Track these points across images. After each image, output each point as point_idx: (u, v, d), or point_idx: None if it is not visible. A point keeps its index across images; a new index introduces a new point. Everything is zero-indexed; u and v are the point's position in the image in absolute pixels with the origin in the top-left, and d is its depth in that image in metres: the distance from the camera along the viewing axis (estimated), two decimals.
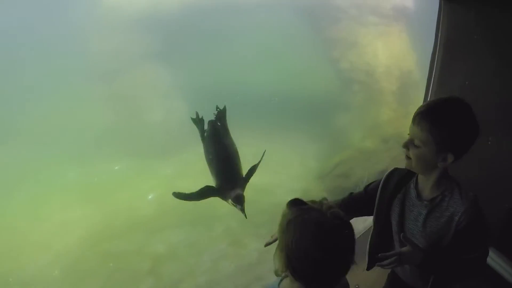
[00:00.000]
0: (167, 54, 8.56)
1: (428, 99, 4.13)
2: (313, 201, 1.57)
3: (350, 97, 7.89)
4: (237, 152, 4.50)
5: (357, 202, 2.28)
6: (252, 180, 6.46)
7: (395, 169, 2.14)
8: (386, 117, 7.43)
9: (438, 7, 3.75)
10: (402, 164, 2.13)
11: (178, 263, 5.17)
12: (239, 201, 4.09)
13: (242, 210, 4.03)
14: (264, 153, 4.33)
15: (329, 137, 7.64)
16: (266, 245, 2.08)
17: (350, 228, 1.50)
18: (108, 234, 5.83)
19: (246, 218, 3.94)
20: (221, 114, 4.65)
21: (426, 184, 1.94)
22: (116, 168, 7.42)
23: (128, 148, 7.60)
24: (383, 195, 2.12)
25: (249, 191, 6.45)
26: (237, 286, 4.82)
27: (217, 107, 4.61)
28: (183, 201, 4.23)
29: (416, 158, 1.83)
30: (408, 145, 1.84)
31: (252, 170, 4.42)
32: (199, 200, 4.23)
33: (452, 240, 1.87)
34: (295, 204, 1.57)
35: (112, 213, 6.22)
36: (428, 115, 1.75)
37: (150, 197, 6.65)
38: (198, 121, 4.63)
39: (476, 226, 1.82)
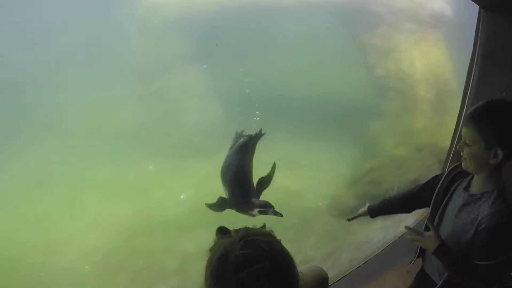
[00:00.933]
0: (204, 55, 8.69)
1: (465, 109, 4.10)
2: (237, 230, 1.31)
3: (384, 104, 7.84)
4: (251, 171, 4.47)
5: (422, 192, 2.38)
6: (283, 183, 6.58)
7: (457, 165, 2.22)
8: (421, 125, 7.33)
9: (477, 16, 3.72)
10: (434, 173, 2.33)
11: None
12: (268, 206, 4.06)
13: (275, 212, 4.00)
14: (274, 167, 4.26)
15: (362, 144, 7.66)
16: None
17: (266, 260, 1.18)
18: (140, 231, 6.03)
19: (283, 216, 3.92)
20: (257, 136, 4.69)
21: (476, 180, 2.05)
22: (151, 167, 7.64)
23: (163, 148, 7.80)
24: (443, 184, 2.24)
25: (280, 194, 6.61)
26: None
27: (260, 131, 4.68)
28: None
29: (469, 157, 1.95)
30: (462, 146, 1.96)
31: (263, 184, 4.33)
32: (218, 211, 4.22)
33: (471, 240, 1.96)
34: (218, 232, 1.35)
35: (145, 211, 6.43)
36: (474, 115, 1.90)
37: (182, 196, 6.83)
38: (238, 136, 4.69)
39: (495, 234, 1.88)
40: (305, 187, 6.91)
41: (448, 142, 4.61)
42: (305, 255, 5.14)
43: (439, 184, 2.24)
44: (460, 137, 2.07)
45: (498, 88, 3.58)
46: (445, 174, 2.24)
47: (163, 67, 8.62)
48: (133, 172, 7.39)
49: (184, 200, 6.77)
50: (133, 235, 5.87)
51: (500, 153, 1.85)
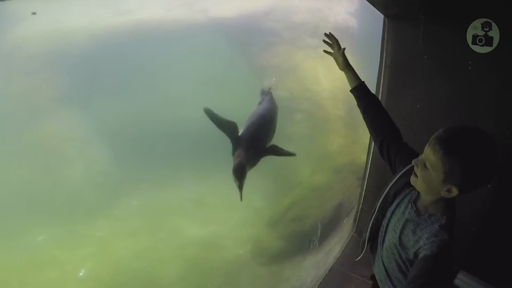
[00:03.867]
0: (83, 94, 8.35)
1: None
2: None
3: (292, 127, 7.82)
4: (271, 129, 4.97)
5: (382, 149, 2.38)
6: (195, 234, 6.50)
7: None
8: (336, 145, 7.41)
9: (382, 26, 3.83)
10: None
11: None
12: (238, 175, 4.11)
13: (240, 187, 4.01)
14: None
15: (275, 173, 7.59)
16: None
17: None
18: None
19: (241, 200, 3.96)
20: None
21: (425, 198, 2.03)
22: (40, 238, 6.90)
23: (50, 210, 7.15)
24: (396, 184, 2.21)
25: (191, 248, 6.23)
26: None
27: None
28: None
29: (422, 179, 1.90)
30: (418, 164, 1.90)
31: (277, 150, 4.78)
32: (218, 125, 4.75)
33: (410, 260, 2.02)
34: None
35: None
36: (444, 142, 1.78)
37: (81, 273, 6.20)
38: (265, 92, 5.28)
39: (430, 264, 1.86)
40: (221, 232, 6.66)
41: (364, 157, 4.74)
42: None
43: (390, 184, 2.23)
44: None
45: (409, 98, 3.71)
46: (399, 175, 2.20)
47: (35, 112, 8.13)
48: (19, 248, 6.62)
49: (84, 277, 6.14)
50: None
51: (454, 191, 1.81)
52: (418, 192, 2.06)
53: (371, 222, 2.35)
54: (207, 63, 9.09)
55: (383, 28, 3.82)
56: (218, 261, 6.05)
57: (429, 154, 1.82)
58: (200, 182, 7.64)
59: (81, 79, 8.35)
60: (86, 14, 9.01)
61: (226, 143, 8.11)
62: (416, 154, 2.12)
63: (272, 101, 5.16)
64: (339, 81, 8.11)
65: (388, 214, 2.22)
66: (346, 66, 2.62)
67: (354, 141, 7.40)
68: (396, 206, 2.17)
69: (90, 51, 8.37)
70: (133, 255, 5.66)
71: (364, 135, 6.48)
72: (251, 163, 4.43)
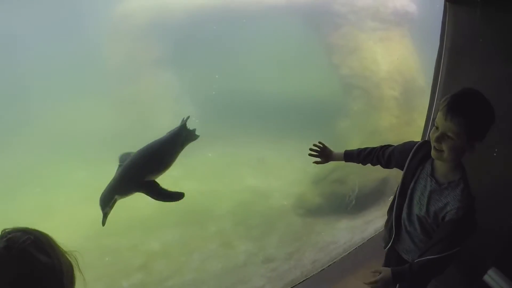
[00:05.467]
0: (177, 61, 8.97)
1: (434, 106, 4.05)
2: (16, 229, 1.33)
3: (350, 102, 7.94)
4: (158, 164, 3.98)
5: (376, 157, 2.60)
6: (251, 183, 7.05)
7: (425, 143, 2.31)
8: (387, 123, 7.40)
9: (442, 10, 3.68)
10: (400, 174, 2.41)
11: (168, 261, 5.45)
12: (102, 203, 3.74)
13: (104, 215, 3.74)
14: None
15: (328, 142, 7.60)
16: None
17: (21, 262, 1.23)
18: (109, 231, 5.99)
19: (103, 226, 3.69)
20: (191, 135, 4.24)
21: (442, 168, 2.16)
22: None
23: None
24: (410, 168, 2.33)
25: (246, 194, 6.85)
26: (221, 287, 5.01)
27: (194, 131, 4.23)
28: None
29: (449, 150, 2.00)
30: (441, 139, 1.99)
31: (153, 189, 4.02)
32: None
33: (435, 227, 2.16)
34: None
35: (114, 211, 6.29)
36: (461, 112, 1.93)
37: None
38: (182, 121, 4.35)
39: (459, 226, 2.02)
40: (272, 186, 7.06)
41: (418, 140, 4.56)
42: (266, 254, 5.24)
43: (408, 162, 2.33)
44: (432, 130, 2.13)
45: (466, 81, 3.56)
46: (413, 153, 2.31)
47: (136, 72, 8.81)
48: (105, 174, 7.17)
49: (153, 201, 6.71)
50: (101, 235, 5.85)
51: (477, 145, 1.98)
52: (432, 166, 2.20)
53: (394, 212, 2.43)
54: (281, 40, 9.49)
55: (443, 12, 3.72)
56: (264, 206, 6.49)
57: (450, 126, 1.95)
58: (267, 145, 8.12)
59: (176, 47, 8.87)
60: None
61: (291, 115, 8.40)
62: (387, 146, 2.56)
63: (176, 133, 4.01)
64: (396, 63, 7.99)
65: (408, 192, 2.33)
66: (333, 154, 2.87)
67: (408, 123, 7.37)
68: (415, 183, 2.29)
69: (185, 25, 8.86)
70: (197, 192, 6.25)
71: (419, 118, 6.44)
72: (121, 193, 3.85)
